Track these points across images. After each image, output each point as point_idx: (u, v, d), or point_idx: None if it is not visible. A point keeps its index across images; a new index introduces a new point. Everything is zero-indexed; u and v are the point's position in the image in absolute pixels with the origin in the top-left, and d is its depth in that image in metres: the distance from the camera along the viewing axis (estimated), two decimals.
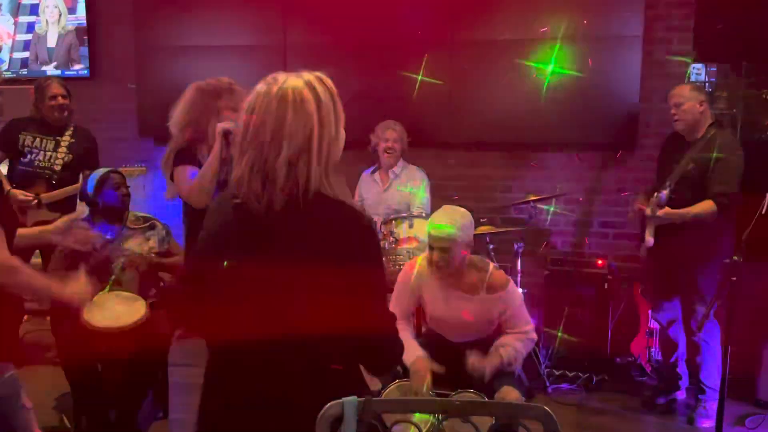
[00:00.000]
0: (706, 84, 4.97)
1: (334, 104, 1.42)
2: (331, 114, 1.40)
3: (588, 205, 4.39)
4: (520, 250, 3.93)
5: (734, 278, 2.58)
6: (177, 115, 2.75)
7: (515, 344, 2.71)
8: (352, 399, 1.25)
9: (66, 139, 3.91)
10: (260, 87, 1.41)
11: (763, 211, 2.59)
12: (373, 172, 4.06)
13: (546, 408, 1.26)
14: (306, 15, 4.46)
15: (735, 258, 2.55)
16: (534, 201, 3.96)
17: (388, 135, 3.88)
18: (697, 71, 4.85)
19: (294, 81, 1.39)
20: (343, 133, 1.46)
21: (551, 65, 4.12)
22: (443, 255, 2.65)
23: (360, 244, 1.40)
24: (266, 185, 1.37)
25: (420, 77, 4.19)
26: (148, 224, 3.32)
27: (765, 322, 4.04)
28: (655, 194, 3.25)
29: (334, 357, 1.43)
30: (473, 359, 2.61)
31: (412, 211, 3.69)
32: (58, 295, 2.00)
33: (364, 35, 4.30)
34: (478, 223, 3.85)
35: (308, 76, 1.41)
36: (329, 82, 1.43)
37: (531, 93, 4.19)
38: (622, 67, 4.07)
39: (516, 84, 4.22)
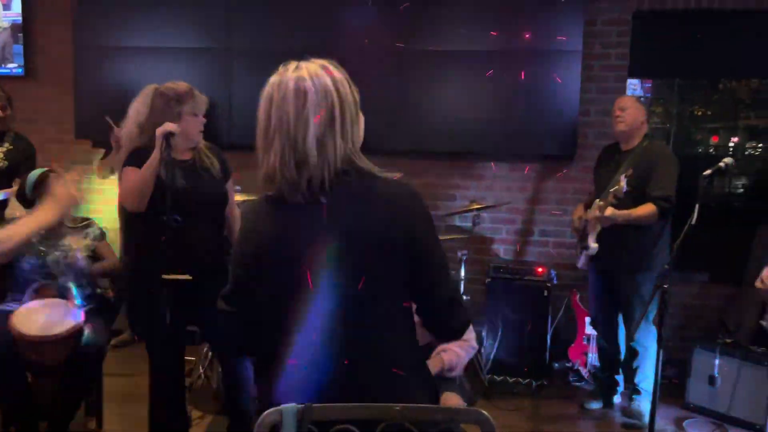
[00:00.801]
0: (643, 99, 5.18)
1: (350, 85, 1.44)
2: (349, 94, 1.42)
3: (529, 214, 4.50)
4: (464, 258, 3.99)
5: (665, 286, 2.67)
6: (136, 116, 2.68)
7: (457, 350, 2.73)
8: (290, 406, 1.24)
9: (5, 147, 3.76)
10: (273, 78, 1.42)
11: (693, 222, 2.69)
12: None
13: (485, 413, 1.29)
14: (252, 19, 4.42)
15: (666, 266, 2.64)
16: (477, 210, 4.03)
17: None
18: (634, 86, 5.06)
19: (307, 65, 1.41)
20: (362, 117, 1.48)
21: (493, 77, 4.21)
22: None
23: (412, 211, 1.41)
24: (301, 169, 1.36)
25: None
26: (85, 223, 3.24)
27: (695, 328, 4.24)
28: (615, 187, 3.30)
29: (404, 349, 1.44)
30: None
31: None
32: None
33: (311, 42, 4.30)
34: None
35: (319, 61, 1.44)
36: (339, 67, 1.46)
37: (475, 103, 4.27)
38: (563, 80, 4.18)
39: (461, 94, 4.30)
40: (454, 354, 2.72)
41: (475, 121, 4.29)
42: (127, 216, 2.79)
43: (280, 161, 1.36)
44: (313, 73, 1.39)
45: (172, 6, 4.51)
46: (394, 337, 1.43)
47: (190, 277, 2.47)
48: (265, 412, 1.24)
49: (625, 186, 3.18)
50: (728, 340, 3.67)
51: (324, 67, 1.41)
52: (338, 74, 1.42)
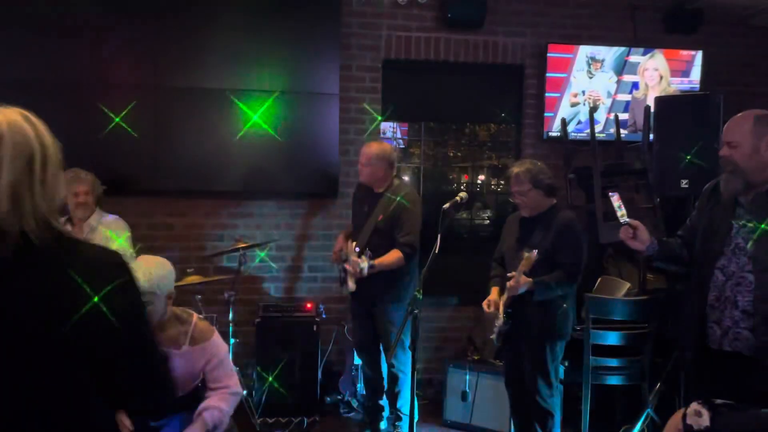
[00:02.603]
0: (400, 141, 5.60)
1: (53, 139, 1.29)
2: (51, 147, 1.27)
3: (298, 251, 4.57)
4: (232, 299, 3.90)
5: (416, 311, 2.87)
6: None
7: (219, 405, 2.63)
8: None
9: None
10: None
11: (436, 251, 2.94)
12: (65, 223, 3.67)
13: None
14: (3, 47, 3.97)
15: (416, 293, 2.84)
16: (243, 248, 3.98)
17: (79, 189, 3.54)
18: (393, 129, 5.45)
19: (2, 110, 1.26)
20: (62, 174, 1.31)
21: (258, 116, 4.25)
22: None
23: (116, 282, 1.27)
24: None
25: (117, 120, 3.99)
26: None
27: (449, 349, 4.60)
28: (355, 246, 3.50)
29: None
30: None
31: None
32: None
33: (60, 72, 3.95)
34: (184, 274, 3.73)
35: (17, 109, 1.27)
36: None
37: (240, 143, 4.26)
38: (324, 122, 4.36)
39: (224, 133, 4.26)
40: (217, 410, 2.61)
41: (240, 159, 4.28)
42: None
43: None
44: (8, 117, 1.25)
45: None
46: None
47: None
48: None
49: (367, 263, 3.39)
50: (476, 357, 4.05)
51: (23, 115, 1.27)
52: (40, 125, 1.28)
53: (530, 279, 3.01)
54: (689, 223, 2.64)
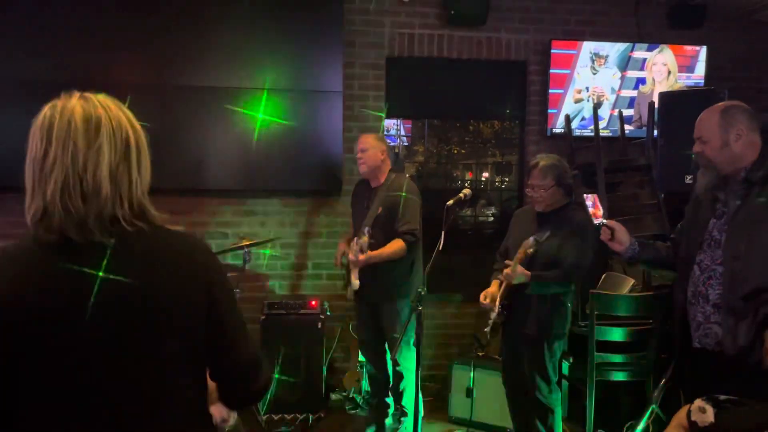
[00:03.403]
0: (404, 138, 5.61)
1: (137, 121, 1.31)
2: (140, 131, 1.30)
3: (302, 248, 4.58)
4: (237, 296, 3.90)
5: (420, 308, 2.87)
6: None
7: None
8: None
9: None
10: (51, 106, 1.24)
11: (440, 248, 2.94)
12: None
13: None
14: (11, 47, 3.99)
15: (419, 290, 2.84)
16: (248, 246, 3.99)
17: None
18: (397, 126, 5.46)
19: (95, 96, 1.28)
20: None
21: (262, 114, 4.26)
22: None
23: (209, 268, 1.31)
24: (89, 203, 1.19)
25: None
26: None
27: (454, 346, 4.61)
28: (356, 240, 3.50)
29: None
30: None
31: None
32: None
33: (60, 73, 3.96)
34: None
35: (105, 96, 1.29)
36: None
37: (244, 141, 4.26)
38: (327, 119, 4.36)
39: (229, 131, 4.27)
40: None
41: (245, 157, 4.28)
42: None
43: (61, 194, 1.18)
44: (104, 103, 1.27)
45: None
46: (179, 409, 1.29)
47: None
48: None
49: (367, 241, 3.40)
50: (480, 353, 4.06)
51: (114, 101, 1.30)
52: (130, 113, 1.31)
53: (528, 272, 3.01)
54: (679, 225, 2.64)
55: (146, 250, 1.25)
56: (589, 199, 2.71)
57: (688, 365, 2.46)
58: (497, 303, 3.14)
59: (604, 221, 2.61)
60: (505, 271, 3.05)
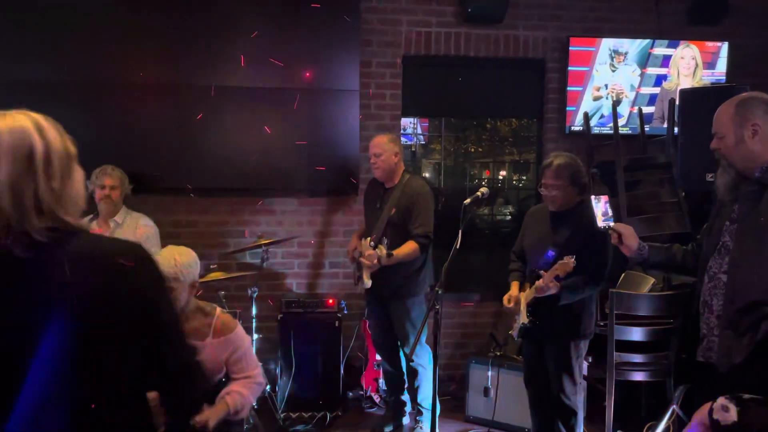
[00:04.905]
0: (420, 137, 5.59)
1: (62, 136, 1.31)
2: (57, 142, 1.29)
3: (319, 247, 4.59)
4: (255, 295, 3.93)
5: (437, 306, 2.87)
6: None
7: (242, 391, 2.66)
8: None
9: None
10: None
11: (457, 246, 2.93)
12: (91, 221, 3.74)
13: None
14: (5, 50, 4.03)
15: (437, 288, 2.83)
16: (266, 245, 4.01)
17: (105, 181, 3.62)
18: (413, 125, 5.45)
19: (11, 112, 1.28)
20: (79, 172, 1.34)
21: (278, 113, 4.27)
22: None
23: (139, 273, 1.29)
24: None
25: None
26: None
27: (471, 345, 4.59)
28: (369, 241, 3.50)
29: None
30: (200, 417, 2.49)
31: None
32: None
33: (82, 73, 4.01)
34: (207, 270, 3.77)
35: (28, 112, 1.29)
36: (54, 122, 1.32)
37: (261, 140, 4.28)
38: (344, 118, 4.37)
39: (246, 130, 4.28)
40: (238, 395, 2.64)
41: (261, 157, 4.30)
42: None
43: None
44: (8, 119, 1.27)
45: None
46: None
47: None
48: None
49: (385, 253, 3.41)
50: (498, 353, 4.04)
51: (29, 115, 1.29)
52: (47, 123, 1.30)
53: (559, 283, 2.94)
54: (705, 226, 2.44)
55: (62, 258, 1.23)
56: (598, 201, 2.62)
57: (693, 380, 2.31)
58: (524, 308, 3.11)
59: (611, 224, 2.52)
60: (538, 283, 2.99)
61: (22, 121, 1.27)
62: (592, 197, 2.63)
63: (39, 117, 1.31)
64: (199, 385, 1.40)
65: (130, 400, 1.31)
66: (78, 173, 1.35)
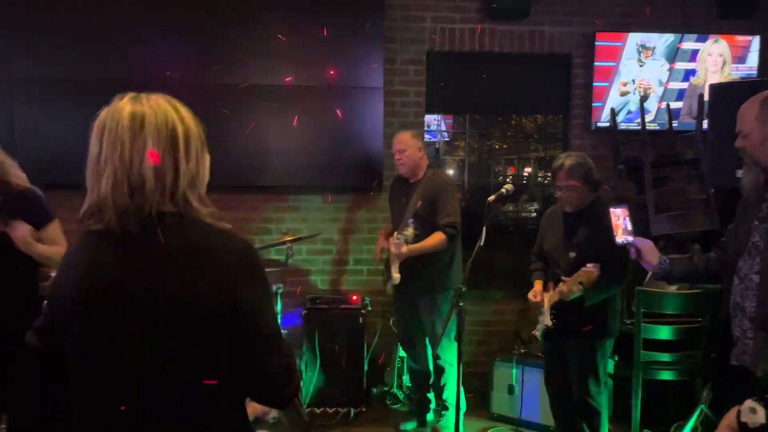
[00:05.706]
0: (445, 133, 5.58)
1: (194, 120, 1.36)
2: (193, 127, 1.34)
3: (343, 244, 4.61)
4: (280, 291, 3.97)
5: (461, 303, 2.86)
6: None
7: None
8: None
9: None
10: (102, 113, 1.32)
11: (482, 243, 2.92)
12: None
13: None
14: (39, 46, 4.10)
15: (460, 285, 2.83)
16: (290, 242, 4.04)
17: None
18: (437, 122, 5.44)
19: (147, 95, 1.34)
20: (207, 156, 1.39)
21: (303, 111, 4.29)
22: None
23: (242, 271, 1.30)
24: (135, 196, 1.25)
25: None
26: None
27: (495, 342, 4.57)
28: (396, 234, 3.51)
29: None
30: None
31: None
32: None
33: (103, 72, 4.07)
34: None
35: (161, 95, 1.35)
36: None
37: (285, 137, 4.31)
38: (368, 116, 4.38)
39: (270, 128, 4.32)
40: None
41: (286, 154, 4.34)
42: None
43: (113, 187, 1.25)
44: (151, 101, 1.32)
45: None
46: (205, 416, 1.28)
47: None
48: None
49: (412, 233, 3.41)
50: (523, 350, 4.02)
51: (166, 98, 1.35)
52: (182, 107, 1.35)
53: (582, 286, 2.89)
54: (729, 227, 2.38)
55: (176, 245, 1.26)
56: (618, 217, 2.53)
57: (726, 385, 2.24)
58: (547, 310, 3.09)
59: (629, 239, 2.43)
60: (561, 288, 2.96)
61: (163, 104, 1.33)
62: (611, 209, 2.56)
63: (175, 100, 1.36)
64: (292, 385, 1.39)
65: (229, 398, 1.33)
66: (207, 158, 1.40)
